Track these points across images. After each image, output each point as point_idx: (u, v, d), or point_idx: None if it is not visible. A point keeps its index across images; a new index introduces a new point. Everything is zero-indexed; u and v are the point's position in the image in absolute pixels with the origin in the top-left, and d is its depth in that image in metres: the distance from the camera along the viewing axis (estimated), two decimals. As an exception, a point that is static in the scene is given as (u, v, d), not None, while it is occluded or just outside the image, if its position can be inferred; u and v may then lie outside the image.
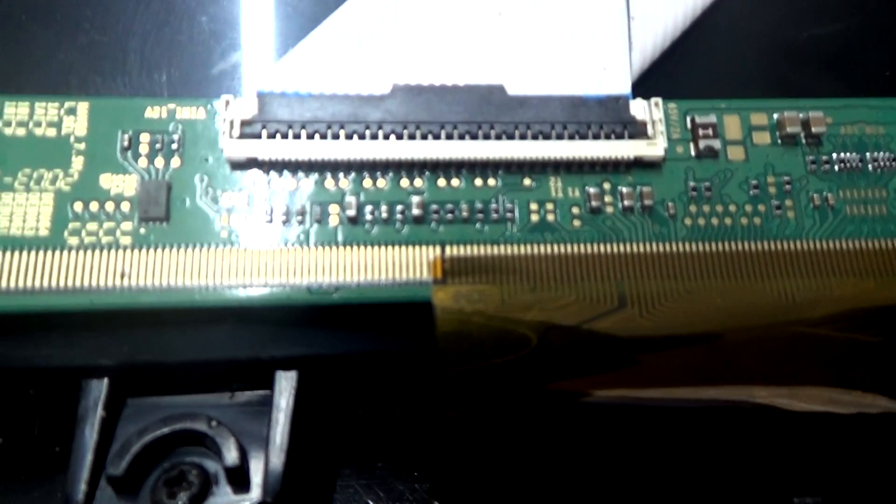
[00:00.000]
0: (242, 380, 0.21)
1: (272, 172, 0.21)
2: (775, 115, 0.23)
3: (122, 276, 0.20)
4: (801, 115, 0.23)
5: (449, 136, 0.21)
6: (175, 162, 0.21)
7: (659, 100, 0.22)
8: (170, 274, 0.20)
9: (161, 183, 0.21)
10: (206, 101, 0.22)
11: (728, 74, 0.27)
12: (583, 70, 0.23)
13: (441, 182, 0.22)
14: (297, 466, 0.20)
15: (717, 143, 0.22)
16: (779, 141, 0.23)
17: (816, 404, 0.20)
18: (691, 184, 0.22)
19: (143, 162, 0.21)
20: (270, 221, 0.21)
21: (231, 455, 0.19)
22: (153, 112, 0.22)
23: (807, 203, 0.22)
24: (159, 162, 0.21)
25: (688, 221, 0.22)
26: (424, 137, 0.21)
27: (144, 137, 0.21)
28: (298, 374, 0.20)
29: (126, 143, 0.21)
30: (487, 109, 0.22)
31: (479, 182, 0.22)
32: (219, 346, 0.20)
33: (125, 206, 0.21)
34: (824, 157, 0.23)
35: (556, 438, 0.21)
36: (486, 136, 0.21)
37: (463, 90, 0.22)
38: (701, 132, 0.22)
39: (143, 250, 0.20)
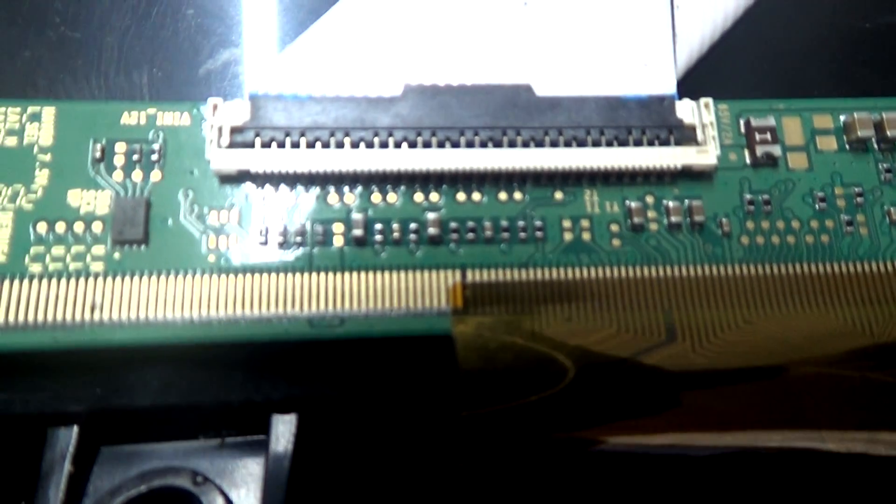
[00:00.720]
0: (234, 425, 0.20)
1: (267, 186, 0.21)
2: (842, 117, 0.22)
3: (93, 308, 0.19)
4: (872, 117, 0.22)
5: (469, 144, 0.21)
6: (155, 175, 0.20)
7: (709, 100, 0.22)
8: (148, 306, 0.19)
9: (139, 200, 0.20)
10: (192, 104, 0.21)
11: (787, 70, 0.26)
12: (621, 67, 0.22)
13: (460, 196, 0.21)
14: (298, 525, 0.19)
15: (776, 150, 0.21)
16: (847, 146, 0.22)
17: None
18: (747, 196, 0.21)
19: (118, 175, 0.20)
20: (265, 243, 0.20)
21: (219, 517, 0.19)
22: (130, 118, 0.21)
23: (882, 218, 0.21)
24: (137, 175, 0.20)
25: (744, 240, 0.21)
26: (441, 145, 0.21)
27: (120, 147, 0.21)
28: (298, 418, 0.20)
29: (98, 154, 0.20)
30: (513, 113, 0.21)
31: (503, 196, 0.21)
32: (206, 388, 0.20)
33: (97, 227, 0.20)
34: (901, 165, 0.22)
35: (596, 493, 0.20)
36: (512, 144, 0.21)
37: (485, 91, 0.21)
38: (758, 137, 0.21)
39: (118, 278, 0.19)
